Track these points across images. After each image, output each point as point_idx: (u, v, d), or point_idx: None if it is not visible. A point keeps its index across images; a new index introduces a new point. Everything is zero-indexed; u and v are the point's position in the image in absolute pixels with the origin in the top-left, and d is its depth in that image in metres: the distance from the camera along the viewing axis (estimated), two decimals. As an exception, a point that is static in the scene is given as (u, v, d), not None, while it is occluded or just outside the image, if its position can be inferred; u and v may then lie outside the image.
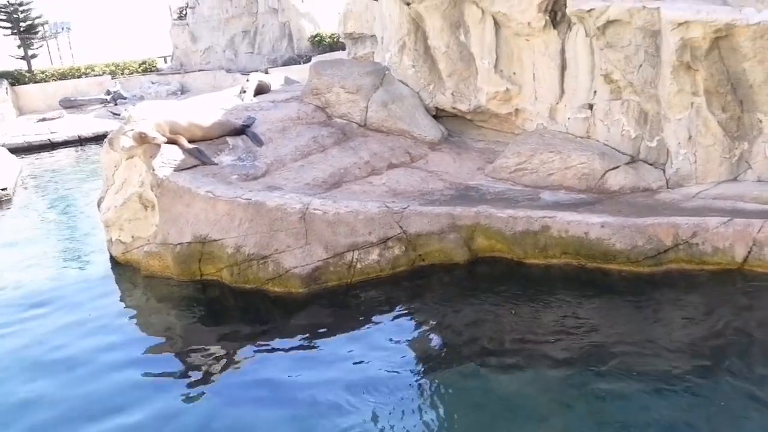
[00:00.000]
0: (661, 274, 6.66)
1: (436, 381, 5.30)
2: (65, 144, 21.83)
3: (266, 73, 19.79)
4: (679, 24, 7.39)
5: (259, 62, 30.44)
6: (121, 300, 7.66)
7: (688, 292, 6.32)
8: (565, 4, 8.46)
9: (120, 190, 8.43)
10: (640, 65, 8.06)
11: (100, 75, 30.92)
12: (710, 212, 7.02)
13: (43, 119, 25.26)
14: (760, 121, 7.69)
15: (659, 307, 6.13)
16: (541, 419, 4.72)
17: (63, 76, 30.75)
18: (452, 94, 10.00)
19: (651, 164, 8.43)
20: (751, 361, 5.14)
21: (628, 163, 8.43)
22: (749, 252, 6.45)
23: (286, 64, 29.71)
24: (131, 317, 7.16)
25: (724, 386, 4.85)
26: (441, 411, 4.96)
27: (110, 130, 9.26)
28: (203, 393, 5.38)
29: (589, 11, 8.09)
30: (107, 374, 5.80)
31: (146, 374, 5.77)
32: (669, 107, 7.97)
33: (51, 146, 21.60)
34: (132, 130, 8.22)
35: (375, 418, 4.82)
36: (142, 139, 8.04)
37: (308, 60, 27.61)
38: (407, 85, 10.30)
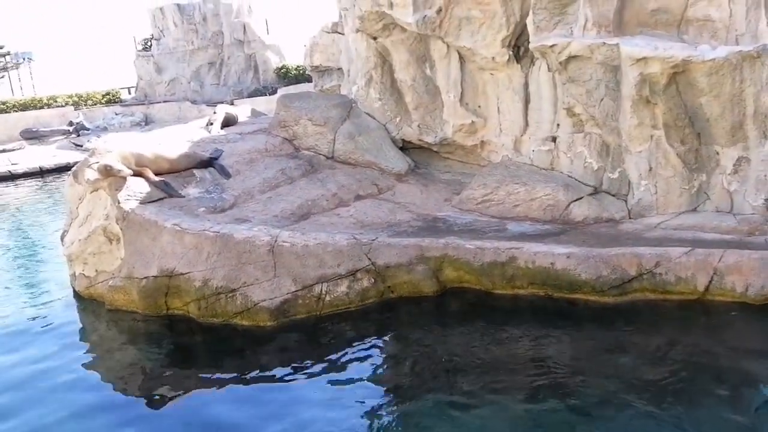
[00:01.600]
0: (626, 304, 6.77)
1: (405, 413, 5.28)
2: (26, 176, 21.45)
3: (232, 104, 19.83)
4: (638, 59, 7.63)
5: (224, 94, 30.44)
6: (85, 335, 7.48)
7: (652, 322, 6.43)
8: (528, 40, 8.68)
9: (84, 224, 8.29)
10: (602, 99, 8.28)
11: (62, 106, 30.53)
12: (672, 242, 7.19)
13: (3, 150, 24.80)
14: (717, 153, 7.93)
15: (625, 336, 6.21)
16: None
17: (24, 106, 30.30)
18: (419, 126, 10.13)
19: (613, 195, 8.62)
20: (716, 388, 5.24)
21: (591, 194, 8.60)
22: (710, 281, 6.60)
23: (251, 95, 29.78)
24: (95, 353, 7.01)
25: (690, 415, 4.92)
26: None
27: (73, 161, 9.14)
28: (169, 430, 5.26)
29: (551, 47, 8.31)
30: (69, 411, 5.64)
31: (111, 412, 5.64)
32: (630, 140, 8.18)
33: (11, 178, 21.19)
34: (97, 162, 8.12)
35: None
36: (107, 171, 7.95)
37: (274, 92, 27.74)
38: (374, 118, 10.40)
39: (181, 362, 6.59)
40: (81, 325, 7.72)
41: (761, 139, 7.57)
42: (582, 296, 6.93)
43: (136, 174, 8.16)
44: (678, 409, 4.98)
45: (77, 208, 8.52)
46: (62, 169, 20.86)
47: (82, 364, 6.66)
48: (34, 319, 7.97)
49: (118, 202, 7.79)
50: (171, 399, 5.83)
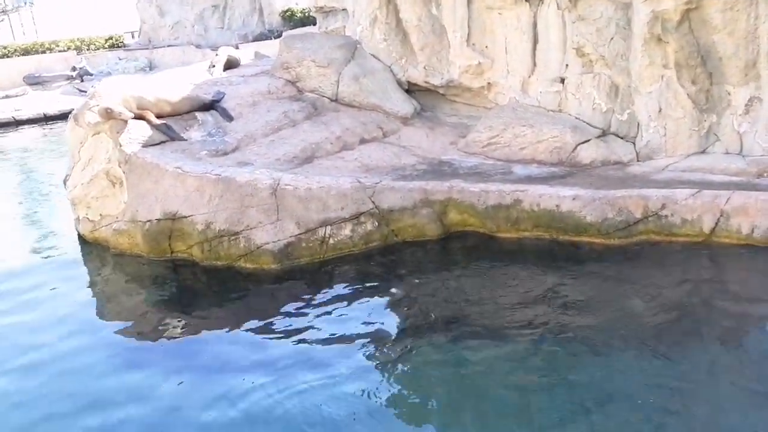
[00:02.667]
0: (631, 246, 6.74)
1: (409, 354, 5.31)
2: (30, 122, 21.27)
3: (236, 48, 19.48)
4: (650, -4, 7.39)
5: (229, 37, 29.88)
6: (90, 279, 7.54)
7: (657, 264, 6.40)
8: (537, -23, 8.42)
9: (86, 167, 8.25)
10: (612, 38, 8.06)
11: (64, 51, 30.10)
12: (679, 184, 7.10)
13: (6, 96, 24.59)
14: (729, 94, 7.75)
15: (629, 278, 6.20)
16: (513, 389, 4.75)
17: (26, 51, 29.89)
18: (424, 68, 9.92)
19: (622, 137, 8.48)
20: (717, 327, 5.25)
21: (599, 137, 8.46)
22: (717, 223, 6.54)
23: (256, 39, 29.25)
24: (101, 296, 7.07)
25: (691, 353, 4.94)
26: (414, 383, 4.98)
27: (77, 107, 9.04)
28: (175, 371, 5.32)
29: (560, -17, 8.05)
30: (76, 354, 5.71)
31: (116, 354, 5.70)
32: (640, 80, 8.00)
33: (15, 124, 21.05)
34: (98, 105, 8.02)
35: (347, 393, 4.81)
36: (108, 114, 7.86)
37: (279, 35, 27.22)
38: (379, 59, 10.19)
39: (185, 304, 6.62)
40: (86, 269, 7.76)
41: (774, 78, 7.39)
42: (587, 239, 6.90)
43: (138, 117, 8.06)
44: (682, 349, 4.99)
45: (79, 151, 8.46)
46: (66, 115, 20.52)
47: (88, 307, 6.73)
48: (39, 263, 8.02)
49: (120, 145, 7.73)
50: (176, 340, 5.89)
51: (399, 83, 10.10)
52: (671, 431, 4.12)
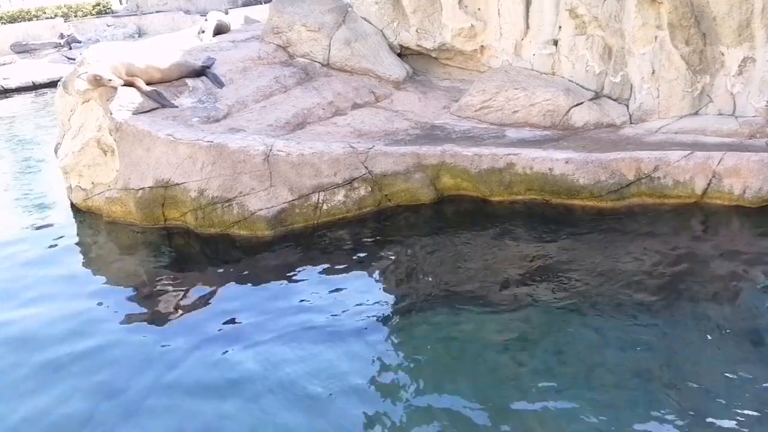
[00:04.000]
0: (624, 209, 6.76)
1: (402, 318, 5.36)
2: (19, 90, 21.04)
3: (226, 13, 19.21)
4: (644, -45, 7.30)
5: (218, 3, 29.44)
6: (84, 247, 7.53)
7: (649, 225, 6.43)
8: (530, -64, 8.29)
9: (77, 135, 8.19)
10: (605, -1, 7.98)
11: (52, 18, 29.65)
12: (672, 146, 7.10)
13: (-6, 65, 24.28)
14: (722, 54, 7.72)
15: (621, 240, 6.23)
16: (506, 352, 4.80)
17: (13, 19, 29.44)
18: (417, 31, 9.82)
19: (615, 100, 8.45)
20: (708, 288, 5.29)
21: (592, 99, 8.43)
22: (709, 184, 6.56)
23: (246, 4, 28.88)
24: (95, 265, 7.07)
25: (683, 313, 4.99)
26: (408, 348, 5.02)
27: (66, 75, 8.96)
28: (171, 338, 5.35)
29: (553, -57, 7.93)
30: (71, 321, 5.74)
31: (111, 321, 5.72)
32: (633, 41, 7.94)
33: (4, 92, 20.81)
34: (86, 72, 7.93)
35: (343, 358, 4.85)
36: (97, 81, 7.78)
37: (269, 0, 26.84)
38: (370, 23, 10.08)
39: (180, 271, 6.63)
40: (79, 238, 7.75)
41: (767, 38, 7.35)
42: (579, 201, 6.92)
43: (127, 84, 7.99)
44: (674, 310, 5.04)
45: (69, 119, 8.39)
46: (55, 83, 20.27)
47: (82, 276, 6.74)
48: (32, 232, 8.00)
49: (110, 113, 7.66)
50: (171, 308, 5.90)
51: (391, 47, 10.00)
52: (663, 390, 4.18)
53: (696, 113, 7.94)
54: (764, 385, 4.12)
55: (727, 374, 4.25)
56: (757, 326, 4.84)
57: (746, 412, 3.90)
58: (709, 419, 3.89)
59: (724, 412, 3.92)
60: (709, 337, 4.71)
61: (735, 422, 3.84)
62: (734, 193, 6.47)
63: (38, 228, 8.14)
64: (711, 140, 7.23)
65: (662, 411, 3.98)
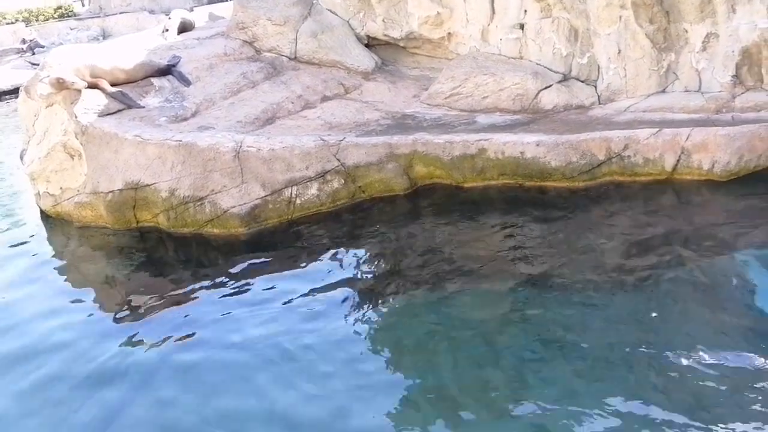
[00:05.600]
0: (596, 188, 6.82)
1: (383, 309, 5.34)
2: (-18, 98, 20.64)
3: (190, 11, 18.98)
4: (605, -65, 7.33)
5: (183, 1, 29.12)
6: (56, 253, 7.39)
7: (622, 203, 6.49)
8: None
9: (42, 141, 8.04)
10: (569, -20, 8.00)
11: (12, 23, 29.09)
12: (641, 125, 7.15)
13: (-44, 73, 23.75)
14: (686, 31, 7.78)
15: (595, 219, 6.29)
16: (487, 335, 4.79)
17: (-27, 25, 28.85)
18: (383, 20, 9.78)
19: (583, 81, 8.50)
20: (683, 261, 5.36)
21: (560, 82, 8.47)
22: (678, 160, 6.62)
23: (211, 1, 28.51)
24: (68, 270, 6.95)
25: (660, 287, 5.04)
26: (388, 338, 5.01)
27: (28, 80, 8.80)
28: (147, 340, 5.28)
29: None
30: (45, 328, 5.64)
31: (87, 325, 5.64)
32: (598, 22, 7.99)
33: (-33, 101, 20.40)
34: (49, 76, 7.78)
35: (324, 352, 4.82)
36: (60, 84, 7.64)
37: (234, -4, 26.54)
38: (336, 14, 10.02)
39: (155, 273, 6.55)
40: (51, 244, 7.62)
41: (729, 13, 7.41)
42: (552, 183, 6.96)
43: (91, 86, 7.85)
44: (650, 284, 5.10)
45: (33, 125, 8.24)
46: (19, 89, 20.05)
47: (55, 282, 6.62)
48: (2, 241, 7.84)
49: (75, 116, 7.54)
50: (146, 310, 5.81)
51: (358, 38, 9.96)
52: (645, 363, 4.21)
53: (663, 91, 8.00)
54: (746, 353, 4.16)
55: (707, 344, 4.29)
56: (734, 294, 4.91)
57: (730, 382, 3.93)
58: (690, 391, 3.93)
59: (706, 384, 3.95)
60: (687, 308, 4.77)
61: (718, 392, 3.89)
62: (703, 167, 6.54)
63: (7, 236, 7.98)
64: (679, 117, 7.30)
65: (648, 385, 4.02)
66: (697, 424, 3.66)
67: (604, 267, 5.41)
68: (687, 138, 6.58)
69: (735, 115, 7.11)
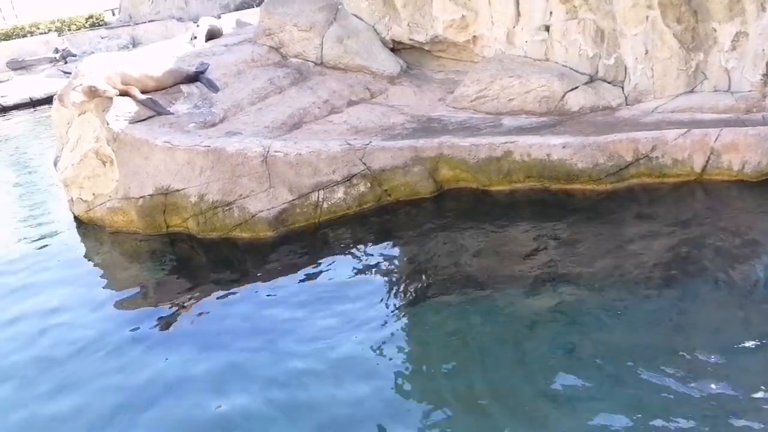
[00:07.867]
0: (623, 190, 6.76)
1: (409, 312, 5.35)
2: (17, 107, 21.07)
3: (218, 18, 19.24)
4: (631, -65, 7.28)
5: (210, 8, 29.45)
6: (89, 258, 7.54)
7: (651, 205, 6.43)
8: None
9: (75, 148, 8.22)
10: (594, -19, 7.96)
11: (45, 33, 29.75)
12: (669, 125, 7.09)
13: (-9, 83, 24.34)
14: (715, 30, 7.69)
15: (623, 222, 6.23)
16: (516, 341, 4.76)
17: (7, 36, 29.56)
18: (408, 25, 9.82)
19: (609, 82, 8.44)
20: (712, 264, 5.29)
21: (587, 83, 8.42)
22: (707, 161, 6.55)
23: (238, 8, 28.88)
24: (101, 275, 7.08)
25: (688, 290, 4.99)
26: (415, 341, 5.04)
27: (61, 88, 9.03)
28: (179, 342, 5.38)
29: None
30: (79, 333, 5.76)
31: (119, 331, 5.73)
32: (625, 22, 7.93)
33: (2, 110, 20.86)
34: (81, 84, 7.96)
35: (351, 355, 4.86)
36: (92, 92, 7.80)
37: (260, 2, 26.83)
38: (362, 19, 10.09)
39: (185, 277, 6.65)
40: (84, 250, 7.76)
41: (759, 12, 7.31)
42: (579, 186, 6.92)
43: (122, 93, 8.01)
44: (678, 288, 5.05)
45: (66, 132, 8.42)
46: (53, 98, 20.45)
47: (89, 287, 6.73)
48: (37, 247, 8.00)
49: (107, 123, 7.69)
50: (178, 314, 5.91)
51: (384, 42, 10.00)
52: (673, 367, 4.17)
53: (691, 91, 7.92)
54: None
55: (739, 345, 4.24)
56: (766, 297, 4.84)
57: (760, 383, 3.89)
58: (724, 391, 3.89)
59: (736, 385, 3.91)
60: (720, 311, 4.71)
61: (748, 394, 3.84)
62: (733, 168, 6.46)
63: (42, 242, 8.16)
64: (708, 117, 7.22)
65: (683, 389, 3.97)
66: (725, 429, 3.62)
67: (631, 271, 5.36)
68: (716, 138, 6.51)
69: (766, 114, 7.01)
